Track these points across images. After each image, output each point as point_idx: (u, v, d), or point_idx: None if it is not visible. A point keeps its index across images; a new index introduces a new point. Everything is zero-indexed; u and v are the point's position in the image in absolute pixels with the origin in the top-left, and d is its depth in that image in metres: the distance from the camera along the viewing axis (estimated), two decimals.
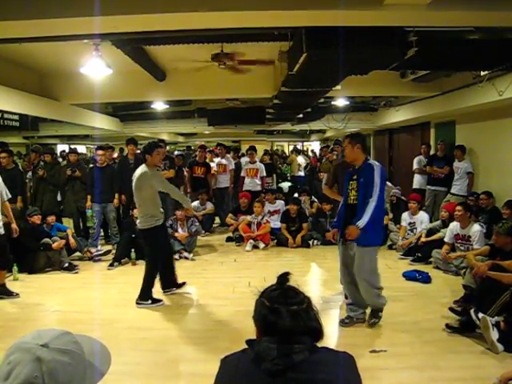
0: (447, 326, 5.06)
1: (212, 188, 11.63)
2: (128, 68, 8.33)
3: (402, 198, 10.71)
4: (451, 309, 5.48)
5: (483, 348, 4.57)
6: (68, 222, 10.03)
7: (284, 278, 1.87)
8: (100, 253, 8.48)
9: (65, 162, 11.53)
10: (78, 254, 8.49)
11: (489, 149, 9.73)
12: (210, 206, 10.90)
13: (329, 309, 5.83)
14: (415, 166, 11.15)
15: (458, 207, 7.14)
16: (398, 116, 12.94)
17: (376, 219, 4.98)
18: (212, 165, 11.86)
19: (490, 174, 9.61)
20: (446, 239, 7.35)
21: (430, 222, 9.05)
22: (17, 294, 6.43)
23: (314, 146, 27.26)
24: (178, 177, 10.80)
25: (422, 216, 8.83)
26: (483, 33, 5.80)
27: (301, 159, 17.70)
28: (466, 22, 5.11)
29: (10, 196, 6.57)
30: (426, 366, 4.29)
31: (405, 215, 9.02)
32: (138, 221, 6.18)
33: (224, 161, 11.94)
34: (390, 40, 5.14)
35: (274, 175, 14.15)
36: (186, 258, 8.46)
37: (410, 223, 8.86)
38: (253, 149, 11.90)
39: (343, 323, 5.32)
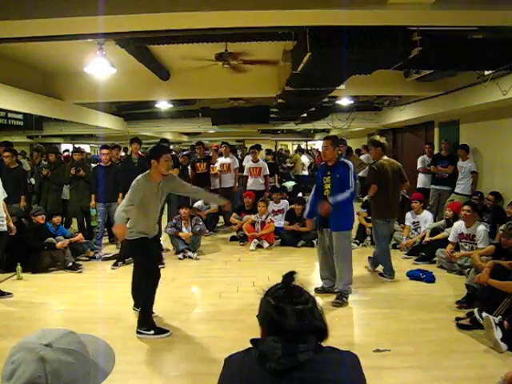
0: (458, 324, 5.11)
1: (215, 188, 11.57)
2: (132, 67, 8.35)
3: (407, 196, 10.71)
4: (459, 302, 5.68)
5: (487, 347, 4.56)
6: (72, 222, 10.08)
7: (290, 277, 1.86)
8: (108, 256, 8.49)
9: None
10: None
11: (493, 148, 9.72)
12: (213, 205, 10.88)
13: (333, 308, 5.82)
14: (419, 166, 11.15)
15: (466, 207, 7.11)
16: (401, 115, 12.95)
17: (348, 207, 6.01)
18: (215, 164, 11.77)
19: (494, 174, 9.60)
20: (450, 238, 7.34)
21: (434, 221, 9.02)
22: (9, 294, 6.41)
23: (319, 145, 27.22)
24: (183, 175, 10.79)
25: (426, 215, 8.81)
26: (487, 32, 5.81)
27: (305, 158, 17.61)
28: (469, 22, 5.12)
29: (6, 195, 6.55)
30: (430, 365, 4.28)
31: (408, 215, 8.99)
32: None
33: (228, 160, 11.72)
34: (394, 39, 5.14)
35: (276, 175, 14.13)
36: (190, 257, 8.46)
37: (413, 222, 8.84)
38: (256, 147, 11.84)
39: (316, 291, 6.33)
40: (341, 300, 5.94)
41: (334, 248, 6.05)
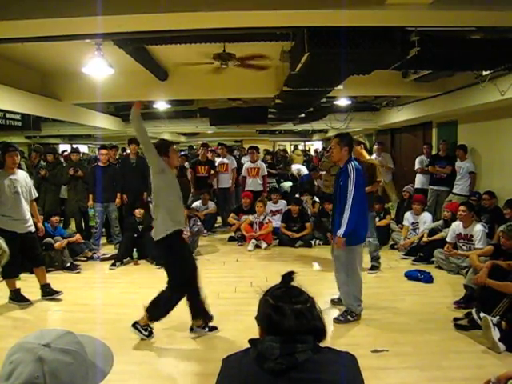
0: (456, 325, 5.12)
1: (214, 188, 11.60)
2: (130, 68, 8.33)
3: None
4: (457, 303, 5.73)
5: (485, 348, 4.57)
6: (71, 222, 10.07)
7: (289, 276, 1.87)
8: (107, 256, 8.49)
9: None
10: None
11: (491, 148, 9.72)
12: (212, 205, 10.89)
13: (330, 309, 5.82)
14: (417, 166, 11.16)
15: (462, 207, 7.13)
16: (400, 116, 12.94)
17: (357, 221, 5.25)
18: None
19: (492, 174, 9.61)
20: (448, 239, 7.35)
21: (432, 221, 9.04)
22: (59, 292, 6.41)
23: (317, 145, 27.21)
24: (181, 176, 10.79)
25: (426, 216, 8.83)
26: (485, 32, 5.81)
27: (296, 167, 16.81)
28: (468, 22, 5.12)
29: (37, 195, 6.64)
30: (428, 365, 4.29)
31: (408, 215, 9.01)
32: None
33: (226, 160, 11.73)
34: (392, 40, 5.14)
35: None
36: None
37: (412, 223, 8.86)
38: (254, 148, 11.85)
39: (332, 302, 5.93)
40: (343, 318, 5.46)
41: (335, 261, 5.61)
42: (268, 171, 12.30)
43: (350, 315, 5.45)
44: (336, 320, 5.43)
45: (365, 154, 7.16)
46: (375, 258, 7.42)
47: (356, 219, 5.21)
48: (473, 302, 5.36)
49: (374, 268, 7.40)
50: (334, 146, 5.50)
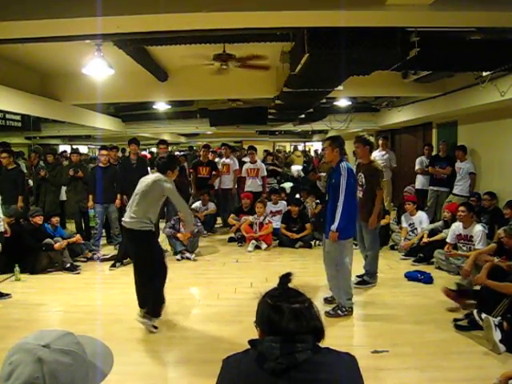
0: (456, 325, 5.13)
1: (215, 188, 11.60)
2: (130, 68, 8.33)
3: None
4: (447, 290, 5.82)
5: (485, 349, 4.57)
6: (70, 223, 10.04)
7: (286, 278, 1.88)
8: (107, 257, 8.48)
9: (66, 163, 11.50)
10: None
11: (491, 149, 9.72)
12: (212, 206, 10.89)
13: (324, 308, 5.78)
14: (417, 167, 11.15)
15: (462, 208, 7.13)
16: (400, 116, 12.94)
17: (347, 217, 5.50)
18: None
19: (492, 175, 9.60)
20: (448, 239, 7.35)
21: (433, 222, 9.02)
22: (8, 295, 6.43)
23: (317, 146, 27.18)
24: (180, 175, 10.80)
25: (421, 216, 8.82)
26: (485, 33, 5.80)
27: (296, 168, 17.20)
28: (468, 23, 5.11)
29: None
30: (428, 366, 4.29)
31: (404, 217, 9.01)
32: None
33: (228, 161, 11.75)
34: (392, 40, 5.13)
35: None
36: (188, 258, 8.46)
37: (410, 224, 8.85)
38: (253, 148, 11.86)
39: (325, 301, 5.99)
40: (334, 312, 5.62)
41: (325, 255, 5.79)
42: (274, 170, 12.37)
43: (340, 310, 5.63)
44: (327, 314, 5.53)
45: (370, 156, 7.00)
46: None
47: (348, 214, 5.48)
48: (465, 296, 5.54)
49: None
50: (326, 148, 5.87)
